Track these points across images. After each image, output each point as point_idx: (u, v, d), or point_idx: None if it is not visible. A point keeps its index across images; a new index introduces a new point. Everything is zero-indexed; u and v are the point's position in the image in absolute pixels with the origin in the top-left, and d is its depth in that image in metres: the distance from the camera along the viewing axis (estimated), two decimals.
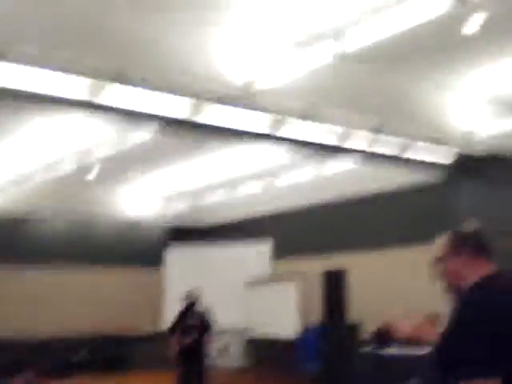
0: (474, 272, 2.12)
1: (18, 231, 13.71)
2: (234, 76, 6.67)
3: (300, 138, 8.13)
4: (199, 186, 13.82)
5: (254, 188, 13.21)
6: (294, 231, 13.42)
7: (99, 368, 13.32)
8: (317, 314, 10.64)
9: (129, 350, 13.95)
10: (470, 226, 2.23)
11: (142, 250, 14.99)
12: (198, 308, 9.22)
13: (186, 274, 12.48)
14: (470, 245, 2.17)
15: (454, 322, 2.01)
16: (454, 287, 2.21)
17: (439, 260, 2.24)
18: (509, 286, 2.09)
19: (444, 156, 9.42)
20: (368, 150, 8.66)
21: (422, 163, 9.57)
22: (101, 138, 9.74)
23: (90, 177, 11.86)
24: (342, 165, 10.96)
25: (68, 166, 11.29)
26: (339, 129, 7.79)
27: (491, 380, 1.87)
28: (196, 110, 7.18)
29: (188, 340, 9.00)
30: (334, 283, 10.39)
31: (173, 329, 9.16)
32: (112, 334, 14.15)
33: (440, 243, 2.26)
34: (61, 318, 13.59)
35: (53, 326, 13.49)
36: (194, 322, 9.13)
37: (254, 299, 11.25)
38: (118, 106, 6.93)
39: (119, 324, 14.13)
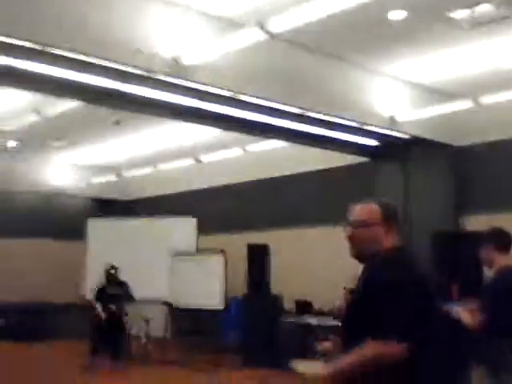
0: (389, 240, 2.41)
1: None
2: (162, 50, 6.60)
3: (227, 115, 8.15)
4: (125, 160, 13.67)
5: (180, 164, 13.20)
6: (219, 208, 13.50)
7: (17, 337, 13.07)
8: (241, 287, 10.84)
9: (48, 321, 13.78)
10: (388, 200, 2.53)
11: (64, 221, 14.73)
12: (119, 279, 9.66)
13: (109, 246, 12.37)
14: (393, 216, 2.48)
15: (378, 285, 2.21)
16: (365, 252, 2.43)
17: (358, 224, 2.47)
18: (411, 258, 2.43)
19: (368, 138, 9.69)
20: (295, 128, 8.79)
21: (347, 144, 9.81)
22: (23, 107, 9.43)
23: (10, 146, 11.51)
24: (267, 143, 11.10)
25: None
26: (266, 107, 7.85)
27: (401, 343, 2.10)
28: (122, 81, 7.06)
29: (110, 309, 9.31)
30: (258, 257, 10.62)
31: (96, 298, 9.48)
32: (32, 304, 13.93)
33: (363, 208, 2.52)
34: None
35: None
36: (114, 292, 9.51)
37: (179, 272, 11.29)
38: (41, 74, 6.72)
39: (40, 294, 13.91)
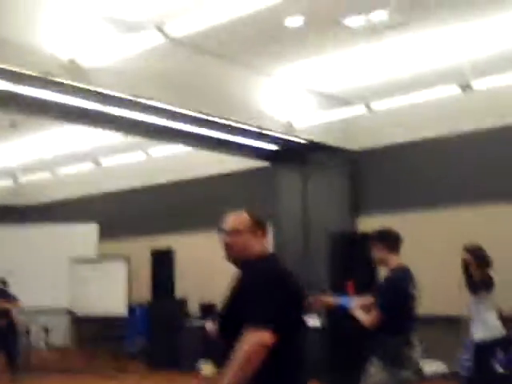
0: (258, 247, 2.71)
1: None
2: (59, 52, 6.46)
3: (126, 118, 8.09)
4: (21, 164, 13.20)
5: (80, 168, 12.90)
6: (121, 213, 13.32)
7: None
8: (145, 293, 10.74)
9: None
10: (256, 211, 2.81)
11: None
12: (7, 290, 9.35)
13: (6, 253, 11.88)
14: (260, 225, 2.77)
15: (250, 284, 2.53)
16: (239, 257, 2.74)
17: (231, 233, 2.74)
18: (278, 262, 2.73)
19: (267, 143, 9.89)
20: (194, 132, 8.84)
21: (246, 148, 9.97)
22: None
23: None
24: (169, 147, 11.08)
25: None
26: (165, 110, 7.86)
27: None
28: (17, 83, 6.84)
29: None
30: (162, 262, 10.57)
31: None
32: None
33: (235, 218, 2.79)
34: None
35: None
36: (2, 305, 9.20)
37: (80, 279, 11.02)
38: None
39: None
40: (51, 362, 10.40)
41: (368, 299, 4.43)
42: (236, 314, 2.49)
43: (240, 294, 2.55)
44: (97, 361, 10.62)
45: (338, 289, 6.99)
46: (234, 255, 2.75)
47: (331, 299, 4.95)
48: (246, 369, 2.30)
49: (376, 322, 4.14)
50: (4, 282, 9.56)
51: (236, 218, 2.77)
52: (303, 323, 2.69)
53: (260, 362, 2.32)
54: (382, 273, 4.60)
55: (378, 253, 4.39)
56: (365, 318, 4.23)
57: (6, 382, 9.01)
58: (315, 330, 7.97)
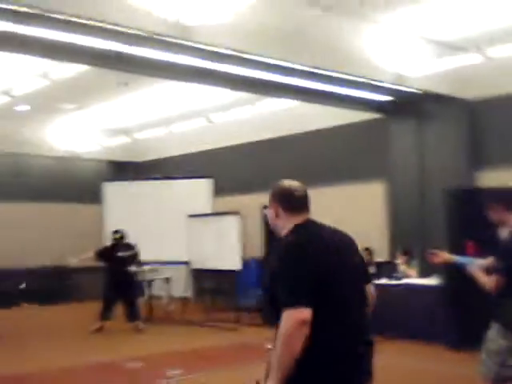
0: (287, 222, 2.55)
1: None
2: (166, 12, 6.47)
3: (234, 75, 8.03)
4: (137, 122, 13.63)
5: (193, 125, 13.12)
6: (233, 168, 13.47)
7: (40, 299, 13.50)
8: (257, 248, 10.85)
9: (68, 283, 14.06)
10: (288, 183, 2.65)
11: (80, 185, 14.85)
12: (125, 242, 9.78)
13: (125, 209, 12.42)
14: (281, 200, 2.59)
15: (279, 259, 2.41)
16: (274, 230, 2.64)
17: (266, 207, 2.69)
18: (315, 231, 2.54)
19: (379, 94, 9.51)
20: (303, 86, 8.64)
21: (357, 100, 9.65)
22: (32, 72, 9.39)
23: (22, 110, 11.53)
24: (280, 102, 10.97)
25: None
26: (276, 66, 7.71)
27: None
28: (128, 44, 6.97)
29: (121, 270, 9.43)
30: None
31: (99, 254, 9.74)
32: (51, 268, 14.21)
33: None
34: (4, 252, 13.48)
35: None
36: (123, 255, 9.66)
37: (195, 233, 11.31)
38: (48, 38, 6.68)
39: (58, 258, 14.14)
40: (172, 312, 10.85)
41: (489, 261, 4.15)
42: (273, 292, 2.42)
43: (272, 274, 2.46)
44: (214, 313, 10.96)
45: (457, 249, 6.63)
46: (271, 227, 2.70)
47: (448, 256, 4.70)
48: (291, 349, 2.26)
49: (496, 286, 3.89)
50: (122, 236, 9.95)
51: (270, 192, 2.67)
52: (354, 280, 2.51)
53: (304, 338, 2.26)
54: (503, 233, 4.27)
55: (494, 214, 4.11)
56: (485, 281, 3.98)
57: (129, 330, 9.54)
58: (433, 289, 7.70)
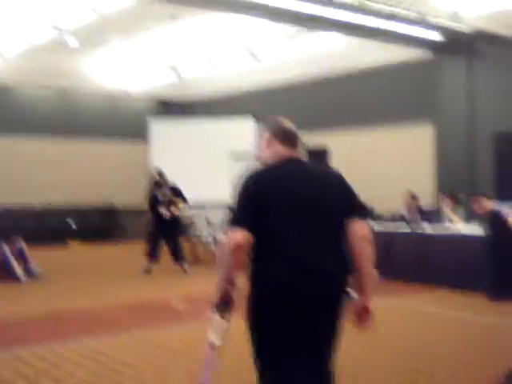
0: (272, 153, 2.73)
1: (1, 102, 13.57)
2: None
3: (281, 8, 7.86)
4: (184, 61, 13.54)
5: (238, 63, 12.96)
6: (277, 108, 13.36)
7: (88, 238, 13.89)
8: None
9: (115, 222, 14.39)
10: (281, 121, 2.82)
11: (125, 122, 14.99)
12: (168, 183, 9.67)
13: (170, 147, 12.51)
14: (274, 134, 2.76)
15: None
16: (260, 160, 2.82)
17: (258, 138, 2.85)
18: (284, 166, 2.68)
19: (431, 33, 9.21)
20: (352, 21, 8.40)
21: (409, 38, 9.36)
22: (77, 6, 9.37)
23: (71, 46, 11.55)
24: (325, 40, 10.71)
25: (47, 36, 10.96)
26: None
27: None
28: None
29: (168, 211, 9.47)
30: (317, 160, 10.50)
31: (149, 201, 9.73)
32: (101, 206, 14.56)
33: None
34: (51, 189, 13.86)
35: (44, 196, 13.78)
36: (165, 197, 9.57)
37: (238, 172, 11.36)
38: None
39: (106, 196, 14.46)
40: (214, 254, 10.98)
41: None
42: None
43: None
44: None
45: (505, 196, 6.53)
46: (257, 158, 2.88)
47: (491, 204, 4.63)
48: (230, 267, 2.51)
49: None
50: (161, 174, 9.89)
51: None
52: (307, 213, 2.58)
53: (241, 257, 2.49)
54: None
55: None
56: None
57: (175, 271, 9.71)
58: (476, 238, 7.59)
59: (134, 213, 10.42)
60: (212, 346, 2.49)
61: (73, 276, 9.45)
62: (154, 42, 12.19)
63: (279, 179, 2.63)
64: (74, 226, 13.93)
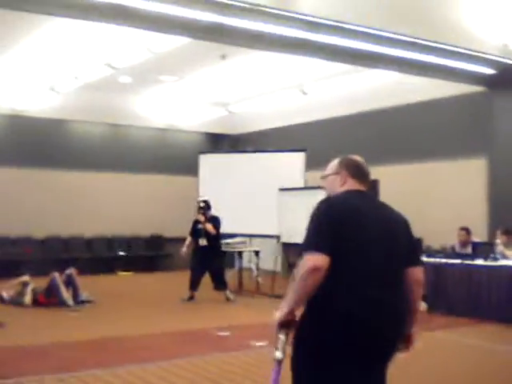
0: (344, 187, 2.76)
1: (55, 137, 14.00)
2: None
3: (333, 45, 7.92)
4: (232, 95, 13.76)
5: (287, 97, 13.09)
6: (327, 141, 13.36)
7: (137, 267, 14.18)
8: None
9: (165, 252, 14.54)
10: (355, 157, 2.86)
11: (175, 156, 15.23)
12: (210, 214, 9.74)
13: (218, 180, 12.61)
14: (350, 168, 2.80)
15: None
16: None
17: (325, 176, 2.89)
18: (357, 197, 2.71)
19: (483, 66, 9.11)
20: (404, 57, 8.41)
21: (460, 72, 9.29)
22: (131, 45, 9.68)
23: (124, 82, 11.90)
24: (377, 74, 10.74)
25: (101, 74, 11.33)
26: (374, 35, 7.55)
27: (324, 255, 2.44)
28: (227, 15, 7.03)
29: (202, 242, 9.68)
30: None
31: (191, 233, 9.95)
32: (150, 236, 14.76)
33: (329, 164, 2.90)
34: (102, 221, 14.15)
35: (95, 226, 14.07)
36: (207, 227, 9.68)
37: (286, 207, 11.33)
38: (150, 11, 6.86)
39: (156, 227, 14.67)
40: (261, 285, 10.97)
41: None
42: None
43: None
44: None
45: None
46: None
47: None
48: (303, 289, 2.46)
49: None
50: (206, 202, 9.94)
51: (330, 164, 2.90)
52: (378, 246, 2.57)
53: (317, 281, 2.43)
54: None
55: None
56: None
57: (219, 300, 9.73)
58: None
59: (181, 242, 10.59)
60: (278, 362, 2.55)
61: (119, 304, 9.59)
62: (205, 80, 12.46)
63: (354, 210, 2.63)
64: (121, 254, 14.15)
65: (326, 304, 2.48)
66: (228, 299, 9.77)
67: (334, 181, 2.82)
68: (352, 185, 2.76)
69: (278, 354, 2.54)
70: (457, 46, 8.05)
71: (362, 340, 2.45)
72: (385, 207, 2.77)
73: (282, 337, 2.56)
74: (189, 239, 10.07)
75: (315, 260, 2.43)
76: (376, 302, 2.48)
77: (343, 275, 2.47)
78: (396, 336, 2.58)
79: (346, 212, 2.59)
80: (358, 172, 2.80)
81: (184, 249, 10.02)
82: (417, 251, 2.79)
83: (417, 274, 2.68)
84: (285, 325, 2.55)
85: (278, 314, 2.56)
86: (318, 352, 2.50)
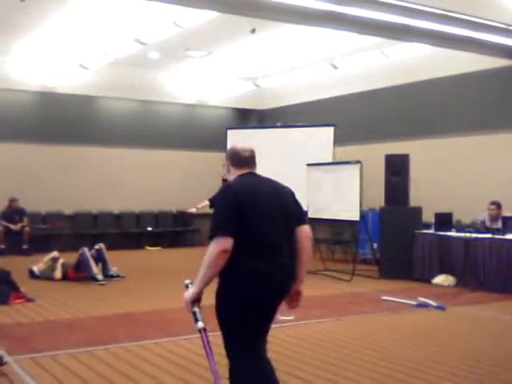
0: (235, 175, 3.20)
1: (84, 113, 14.08)
2: None
3: (365, 18, 7.77)
4: (261, 69, 13.66)
5: (317, 72, 12.95)
6: (356, 116, 13.22)
7: (164, 242, 14.35)
8: (378, 199, 10.67)
9: (193, 226, 14.62)
10: (238, 146, 3.28)
11: (204, 132, 15.22)
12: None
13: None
14: (228, 159, 3.25)
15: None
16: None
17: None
18: (248, 178, 3.17)
19: None
20: (437, 30, 8.21)
21: (493, 46, 9.06)
22: (159, 20, 9.62)
23: (153, 57, 11.86)
24: (408, 47, 10.54)
25: (128, 50, 11.31)
26: (406, 8, 7.37)
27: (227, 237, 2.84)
28: None
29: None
30: (397, 168, 10.28)
31: (212, 199, 9.68)
32: (176, 212, 14.85)
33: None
34: (131, 196, 14.27)
35: (124, 202, 14.21)
36: None
37: (315, 182, 11.27)
38: None
39: (184, 202, 14.73)
40: None
41: None
42: None
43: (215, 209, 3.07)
44: (331, 262, 10.99)
45: None
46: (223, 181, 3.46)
47: None
48: (213, 269, 2.91)
49: None
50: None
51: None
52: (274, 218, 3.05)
53: (224, 260, 2.87)
54: None
55: None
56: None
57: None
58: None
59: (208, 218, 10.58)
60: (204, 330, 2.99)
61: (148, 278, 9.67)
62: (234, 54, 12.38)
63: (250, 188, 3.07)
64: (149, 230, 14.27)
65: (235, 265, 2.89)
66: None
67: (225, 170, 3.29)
68: (236, 172, 3.20)
69: (200, 324, 2.99)
70: (490, 20, 7.83)
71: (261, 288, 2.93)
72: (274, 183, 3.27)
73: (196, 309, 3.01)
74: (205, 203, 9.81)
75: (222, 244, 2.84)
76: (273, 261, 2.96)
77: (249, 243, 2.91)
78: (287, 284, 3.07)
79: (243, 192, 3.01)
80: (237, 161, 3.22)
81: (193, 209, 9.97)
82: (303, 214, 3.30)
83: (305, 230, 3.17)
84: (195, 301, 3.01)
85: (188, 294, 3.02)
86: (233, 298, 2.99)
